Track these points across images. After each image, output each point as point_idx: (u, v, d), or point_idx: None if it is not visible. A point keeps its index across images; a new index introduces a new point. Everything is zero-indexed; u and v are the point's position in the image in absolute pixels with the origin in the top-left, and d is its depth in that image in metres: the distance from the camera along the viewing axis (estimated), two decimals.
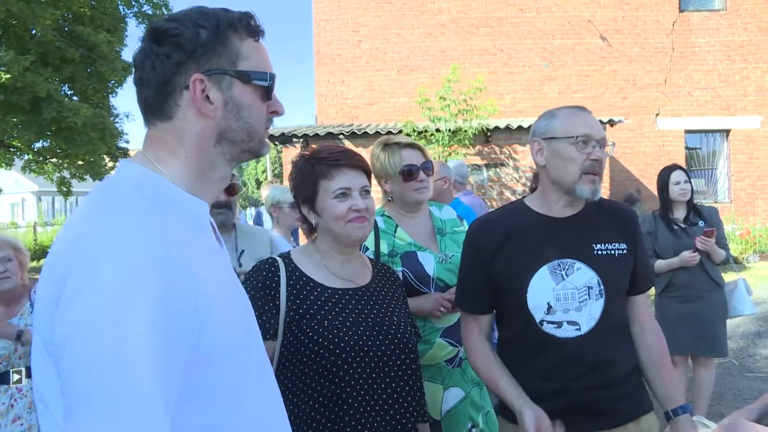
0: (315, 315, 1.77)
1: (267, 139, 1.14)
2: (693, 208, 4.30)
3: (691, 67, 14.18)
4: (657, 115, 14.19)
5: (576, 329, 1.89)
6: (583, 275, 1.91)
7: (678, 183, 4.28)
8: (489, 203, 10.59)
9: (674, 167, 4.39)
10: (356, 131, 11.47)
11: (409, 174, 2.46)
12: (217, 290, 0.99)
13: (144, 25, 17.13)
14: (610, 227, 1.99)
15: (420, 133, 10.89)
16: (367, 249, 2.39)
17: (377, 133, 10.98)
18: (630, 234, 2.00)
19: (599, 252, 1.93)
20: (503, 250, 1.96)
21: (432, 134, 10.84)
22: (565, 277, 1.91)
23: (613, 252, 1.95)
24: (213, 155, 1.08)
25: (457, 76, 10.84)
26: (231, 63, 1.06)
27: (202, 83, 1.03)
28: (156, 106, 1.06)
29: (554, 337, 1.90)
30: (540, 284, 1.91)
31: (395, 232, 2.49)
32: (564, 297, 1.90)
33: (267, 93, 1.10)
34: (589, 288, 1.91)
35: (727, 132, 14.23)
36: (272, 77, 1.10)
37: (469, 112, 10.90)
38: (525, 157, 11.23)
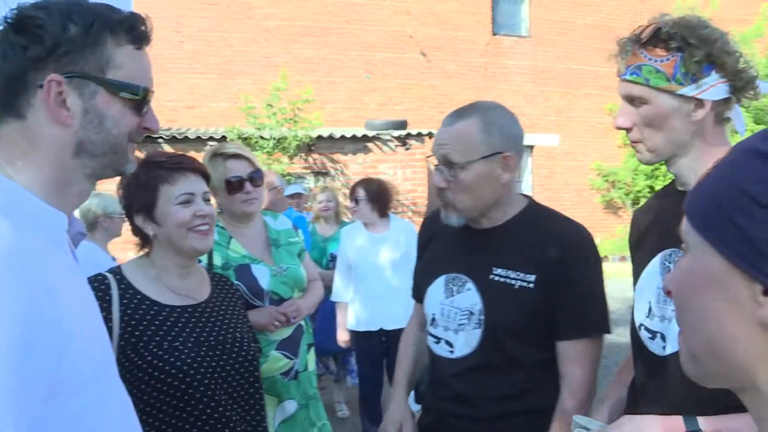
0: (153, 336, 1.63)
1: (132, 156, 1.03)
2: None
3: (501, 87, 15.28)
4: None
5: (450, 351, 1.70)
6: (468, 298, 1.66)
7: None
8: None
9: None
10: (176, 135, 11.08)
11: (232, 186, 2.37)
12: (78, 312, 0.89)
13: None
14: (524, 252, 1.64)
15: (245, 139, 10.80)
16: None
17: (198, 138, 10.60)
18: (551, 264, 1.59)
19: (496, 278, 1.64)
20: (426, 248, 1.93)
21: (256, 141, 10.79)
22: (454, 293, 1.70)
23: (512, 282, 1.62)
24: (71, 168, 0.96)
25: (286, 84, 10.88)
26: (99, 69, 0.94)
27: (59, 86, 0.91)
28: (6, 101, 0.93)
29: (432, 351, 1.77)
30: (434, 293, 1.77)
31: (229, 243, 2.40)
32: (447, 314, 1.71)
33: (138, 107, 0.99)
34: (470, 314, 1.65)
35: (531, 148, 15.55)
36: (145, 91, 0.99)
37: (296, 123, 10.99)
38: (347, 166, 11.48)
